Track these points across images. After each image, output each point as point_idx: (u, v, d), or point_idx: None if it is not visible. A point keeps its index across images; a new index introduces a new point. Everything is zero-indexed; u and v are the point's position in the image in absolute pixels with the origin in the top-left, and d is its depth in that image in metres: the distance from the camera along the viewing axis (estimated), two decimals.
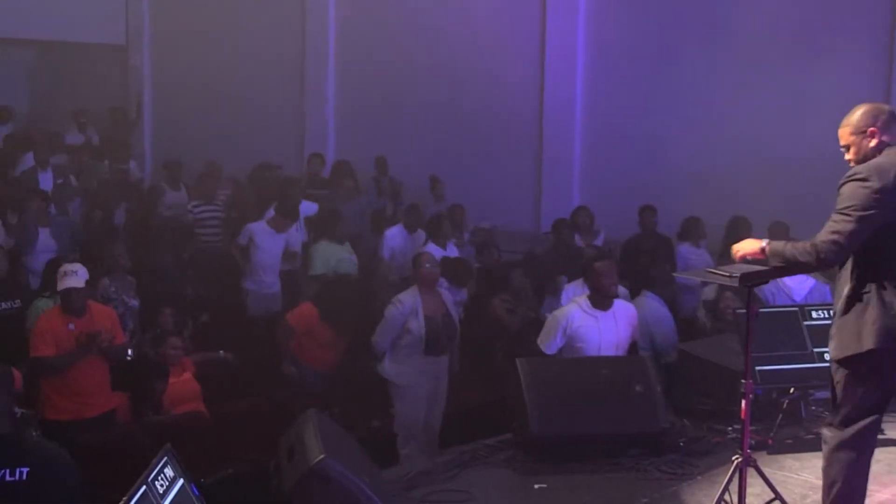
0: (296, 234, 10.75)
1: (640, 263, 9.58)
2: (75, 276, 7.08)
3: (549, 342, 7.04)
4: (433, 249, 9.78)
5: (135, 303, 8.64)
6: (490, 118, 12.99)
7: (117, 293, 8.53)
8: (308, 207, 11.25)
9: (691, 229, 10.40)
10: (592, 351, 6.95)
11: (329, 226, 10.43)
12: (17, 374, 6.39)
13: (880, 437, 4.86)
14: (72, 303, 7.07)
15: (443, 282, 9.31)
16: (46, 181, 11.81)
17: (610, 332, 7.03)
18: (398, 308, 7.76)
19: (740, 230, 10.19)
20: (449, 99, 13.26)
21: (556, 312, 7.25)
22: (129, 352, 8.03)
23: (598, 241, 10.98)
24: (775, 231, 9.88)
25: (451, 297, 8.26)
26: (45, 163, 12.26)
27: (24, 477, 4.33)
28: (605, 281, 7.03)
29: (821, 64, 10.44)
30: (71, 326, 7.03)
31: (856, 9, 10.57)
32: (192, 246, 10.40)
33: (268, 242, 10.26)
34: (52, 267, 8.50)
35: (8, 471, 4.34)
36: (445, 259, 9.39)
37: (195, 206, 11.57)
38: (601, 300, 7.07)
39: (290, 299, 10.40)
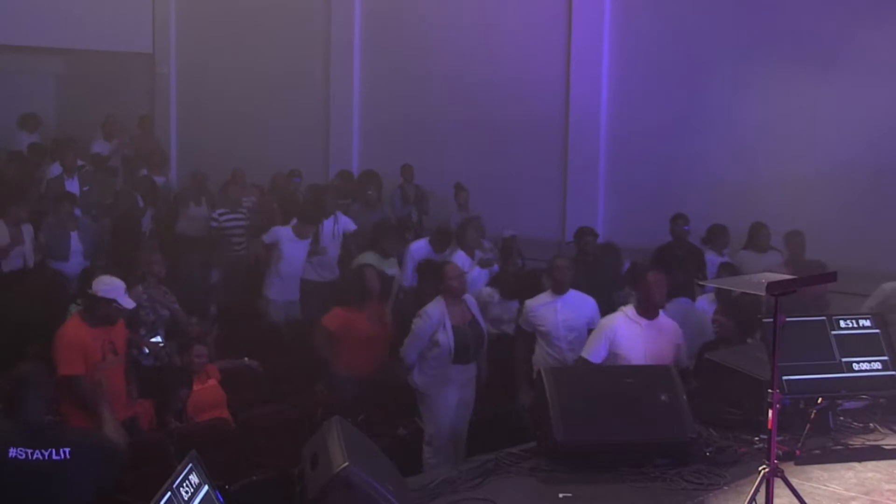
0: (330, 244, 10.81)
1: (671, 272, 9.53)
2: (122, 293, 6.91)
3: (593, 351, 7.05)
4: (461, 258, 9.76)
5: (166, 312, 8.64)
6: (515, 127, 12.98)
7: (150, 301, 8.53)
8: (347, 223, 11.28)
9: (716, 236, 10.34)
10: (637, 357, 6.95)
11: (379, 238, 10.40)
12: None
13: None
14: (110, 316, 6.92)
15: (495, 295, 9.31)
16: (73, 189, 11.87)
17: (654, 341, 7.05)
18: (426, 321, 7.73)
19: (760, 235, 10.18)
20: (474, 107, 13.26)
21: (603, 321, 7.28)
22: (146, 351, 8.07)
23: None
24: (791, 240, 9.90)
25: (475, 303, 8.21)
26: (71, 170, 12.34)
27: (68, 456, 5.01)
28: (655, 292, 7.07)
29: (843, 77, 10.40)
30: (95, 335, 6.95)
31: (884, 23, 10.48)
32: (218, 257, 10.37)
33: (290, 249, 10.30)
34: (87, 276, 8.54)
35: (53, 450, 5.00)
36: (501, 274, 9.59)
37: (220, 215, 11.58)
38: (648, 310, 7.10)
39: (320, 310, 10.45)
